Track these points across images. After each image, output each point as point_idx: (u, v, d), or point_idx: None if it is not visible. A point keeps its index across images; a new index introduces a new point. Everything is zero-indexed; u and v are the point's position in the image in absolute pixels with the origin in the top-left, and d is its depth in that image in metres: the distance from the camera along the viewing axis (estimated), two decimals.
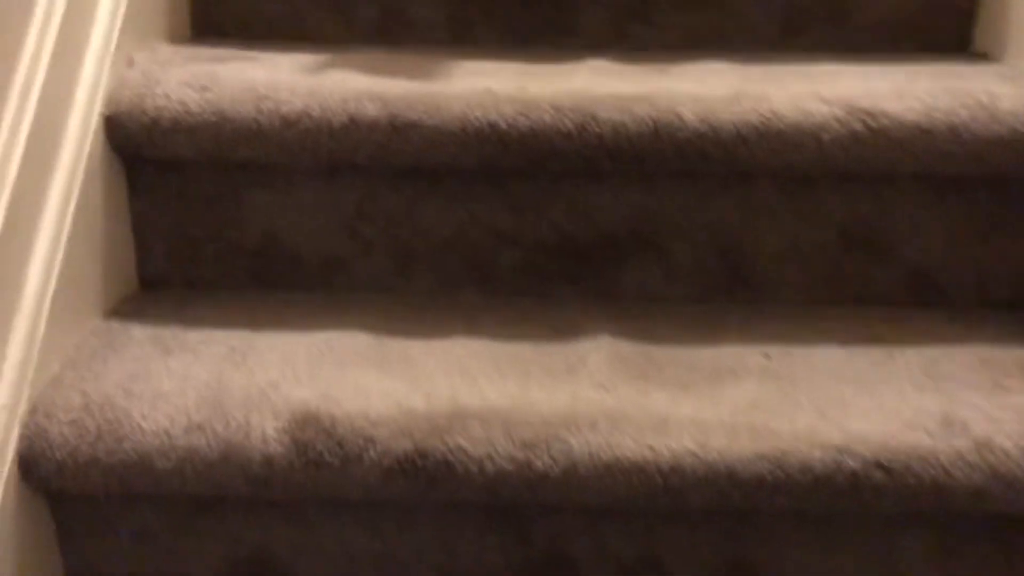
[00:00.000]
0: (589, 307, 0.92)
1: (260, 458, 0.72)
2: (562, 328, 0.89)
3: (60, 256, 0.82)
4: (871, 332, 0.87)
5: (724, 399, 0.78)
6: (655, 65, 1.00)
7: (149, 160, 0.91)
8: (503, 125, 0.87)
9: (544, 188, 0.92)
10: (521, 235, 0.93)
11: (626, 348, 0.84)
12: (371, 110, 0.87)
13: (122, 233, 0.93)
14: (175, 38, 1.05)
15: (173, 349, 0.83)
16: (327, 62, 0.98)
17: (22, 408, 0.75)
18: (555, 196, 0.92)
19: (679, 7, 1.09)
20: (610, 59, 1.02)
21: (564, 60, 1.03)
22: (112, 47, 0.91)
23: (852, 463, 0.72)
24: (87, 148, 0.86)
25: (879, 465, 0.71)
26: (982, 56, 1.06)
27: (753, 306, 0.93)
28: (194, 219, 0.93)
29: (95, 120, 0.87)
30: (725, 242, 0.93)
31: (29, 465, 0.73)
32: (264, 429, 0.73)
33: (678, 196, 0.92)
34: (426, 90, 0.90)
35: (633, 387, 0.78)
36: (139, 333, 0.85)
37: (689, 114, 0.87)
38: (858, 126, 0.86)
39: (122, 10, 0.93)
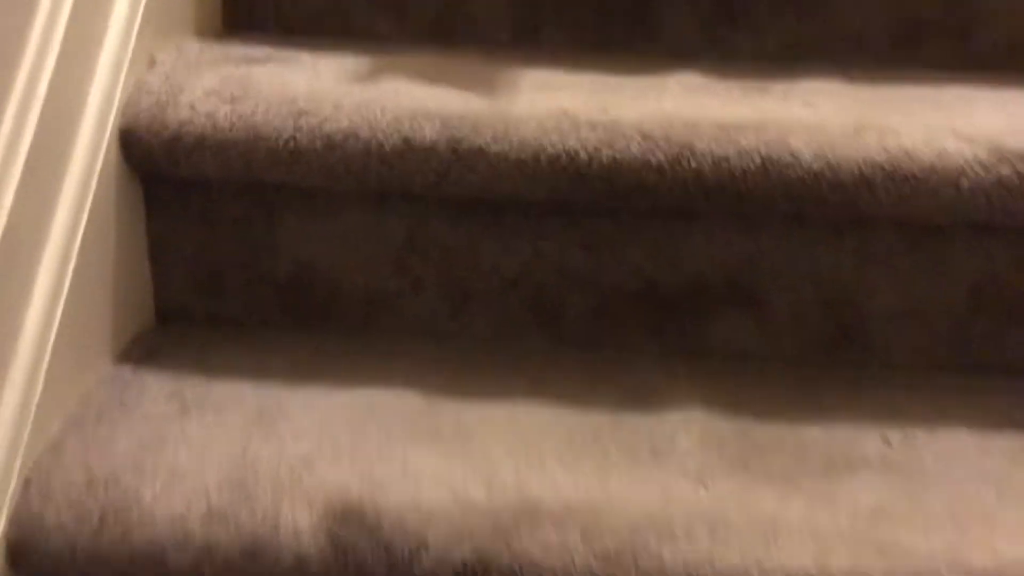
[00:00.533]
0: (673, 365, 0.80)
1: (291, 558, 0.61)
2: (643, 392, 0.76)
3: (66, 293, 0.70)
4: (1006, 414, 0.75)
5: (841, 499, 0.66)
6: (754, 81, 0.87)
7: (170, 178, 0.79)
8: (583, 155, 0.74)
9: (625, 225, 0.79)
10: (595, 278, 0.81)
11: (721, 425, 0.72)
12: (428, 132, 0.75)
13: (138, 260, 0.81)
14: (204, 33, 0.93)
15: (192, 408, 0.71)
16: (377, 67, 0.86)
17: (13, 483, 0.63)
18: (637, 235, 0.79)
19: (777, 12, 0.95)
20: (701, 72, 0.89)
21: (647, 72, 0.90)
22: (131, 45, 0.78)
23: None
24: (99, 164, 0.74)
25: None
26: None
27: (862, 371, 0.80)
28: (220, 245, 0.81)
29: (109, 132, 0.74)
30: (832, 295, 0.80)
31: (18, 555, 0.62)
32: (296, 521, 0.62)
33: (782, 241, 0.79)
34: (492, 108, 0.78)
35: (734, 480, 0.66)
36: (154, 384, 0.74)
37: (803, 148, 0.74)
38: (1006, 171, 0.73)
39: (144, 0, 0.81)
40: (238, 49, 0.88)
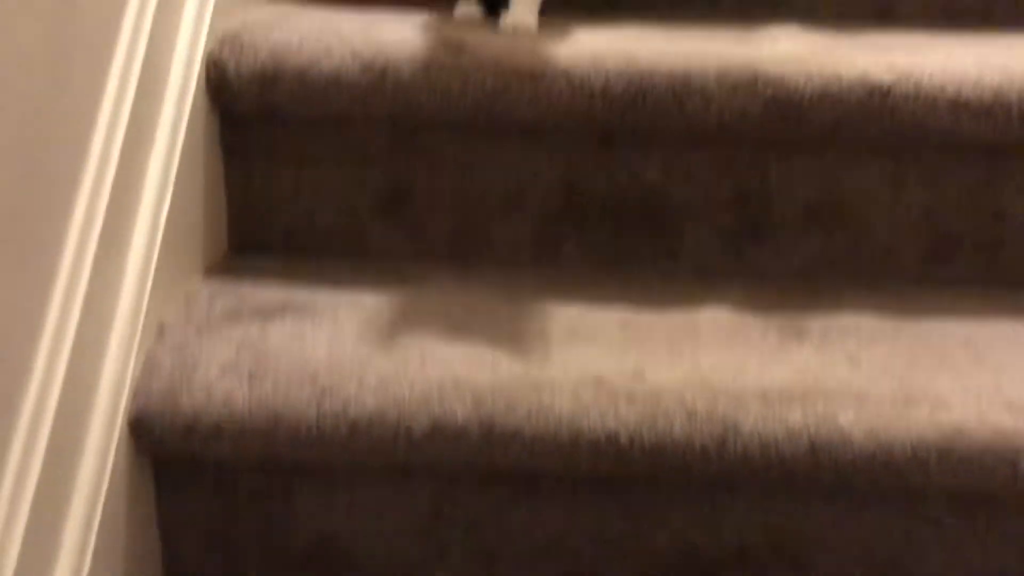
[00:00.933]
0: None
1: None
2: None
3: None
4: None
5: None
6: (788, 318, 0.83)
7: (184, 458, 0.75)
8: (623, 439, 0.70)
9: (666, 494, 0.75)
10: (634, 544, 0.76)
11: None
12: (460, 413, 0.71)
13: (149, 538, 0.75)
14: (212, 261, 0.88)
15: None
16: (399, 316, 0.81)
17: None
18: (678, 503, 0.75)
19: (803, 228, 0.91)
20: (731, 306, 0.85)
21: (674, 304, 0.86)
22: (143, 313, 0.74)
23: None
24: (111, 459, 0.69)
25: None
26: None
27: None
28: (235, 518, 0.76)
29: (120, 421, 0.70)
30: (879, 557, 0.76)
31: None
32: None
33: (828, 508, 0.75)
34: (523, 374, 0.74)
35: None
36: None
37: (853, 427, 0.70)
38: None
39: (154, 263, 0.76)
40: (249, 291, 0.84)
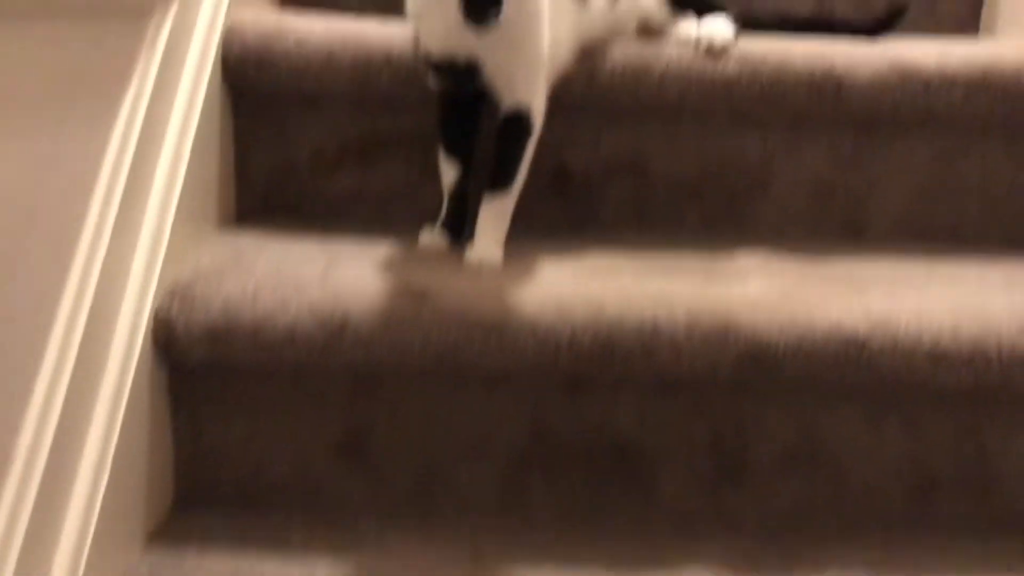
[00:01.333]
0: None
1: None
2: None
3: None
4: None
5: None
6: None
7: None
8: None
9: None
10: None
11: None
12: None
13: None
14: (155, 519, 0.81)
15: None
16: None
17: None
18: None
19: (783, 472, 0.87)
20: (711, 570, 0.80)
21: (652, 565, 0.80)
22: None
23: None
24: None
25: None
26: None
27: None
28: None
29: None
30: None
31: None
32: None
33: None
34: None
35: None
36: None
37: None
38: None
39: (88, 546, 0.70)
40: (194, 565, 0.77)
